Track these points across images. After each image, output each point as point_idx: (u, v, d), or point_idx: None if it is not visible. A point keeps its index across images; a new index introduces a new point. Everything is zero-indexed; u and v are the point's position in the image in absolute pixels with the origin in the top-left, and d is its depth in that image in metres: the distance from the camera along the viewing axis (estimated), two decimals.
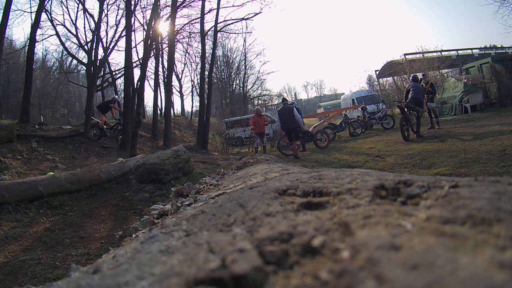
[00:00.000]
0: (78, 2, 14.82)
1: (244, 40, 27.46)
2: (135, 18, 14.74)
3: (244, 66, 28.21)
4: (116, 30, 15.98)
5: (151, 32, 10.11)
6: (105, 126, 10.32)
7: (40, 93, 22.18)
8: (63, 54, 18.92)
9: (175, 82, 21.57)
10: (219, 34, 15.28)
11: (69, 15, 17.79)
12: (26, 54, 11.84)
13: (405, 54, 18.18)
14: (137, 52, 16.85)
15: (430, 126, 9.38)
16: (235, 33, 21.33)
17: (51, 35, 15.40)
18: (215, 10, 12.69)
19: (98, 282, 0.36)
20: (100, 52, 14.45)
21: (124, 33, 13.60)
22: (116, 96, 11.23)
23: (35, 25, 10.49)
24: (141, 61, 12.34)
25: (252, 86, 29.04)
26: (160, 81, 17.55)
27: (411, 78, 9.15)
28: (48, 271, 2.77)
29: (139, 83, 9.84)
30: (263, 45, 61.21)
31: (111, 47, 15.80)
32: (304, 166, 3.52)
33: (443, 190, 0.46)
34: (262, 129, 9.98)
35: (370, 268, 0.27)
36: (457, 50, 19.86)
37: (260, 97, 29.56)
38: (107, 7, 14.93)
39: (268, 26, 69.43)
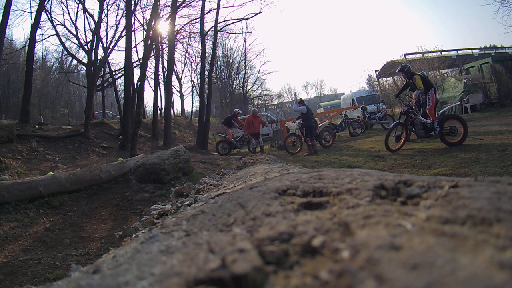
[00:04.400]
0: (78, 2, 14.81)
1: (244, 40, 27.39)
2: (135, 18, 14.73)
3: (244, 66, 28.14)
4: (116, 30, 15.95)
5: (151, 32, 10.12)
6: (233, 139, 10.74)
7: (40, 93, 22.16)
8: (63, 54, 18.90)
9: (175, 82, 21.59)
10: (219, 34, 15.28)
11: (69, 15, 17.75)
12: (26, 54, 11.84)
13: (405, 54, 18.17)
14: (137, 52, 16.83)
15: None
16: (235, 33, 21.31)
17: (51, 35, 15.39)
18: (215, 10, 12.70)
19: (98, 282, 0.36)
20: (100, 52, 14.43)
21: (124, 33, 13.57)
22: (237, 110, 11.57)
23: (35, 25, 10.49)
24: (141, 61, 12.33)
25: (252, 86, 28.96)
26: (160, 81, 17.54)
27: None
28: (48, 271, 2.77)
29: (139, 83, 9.84)
30: (263, 45, 60.75)
31: (111, 47, 15.77)
32: (304, 166, 3.52)
33: (443, 190, 0.46)
34: (257, 129, 9.97)
35: (370, 268, 0.27)
36: (457, 50, 19.87)
37: (260, 97, 29.50)
38: (107, 7, 14.91)
39: (268, 26, 69.06)
